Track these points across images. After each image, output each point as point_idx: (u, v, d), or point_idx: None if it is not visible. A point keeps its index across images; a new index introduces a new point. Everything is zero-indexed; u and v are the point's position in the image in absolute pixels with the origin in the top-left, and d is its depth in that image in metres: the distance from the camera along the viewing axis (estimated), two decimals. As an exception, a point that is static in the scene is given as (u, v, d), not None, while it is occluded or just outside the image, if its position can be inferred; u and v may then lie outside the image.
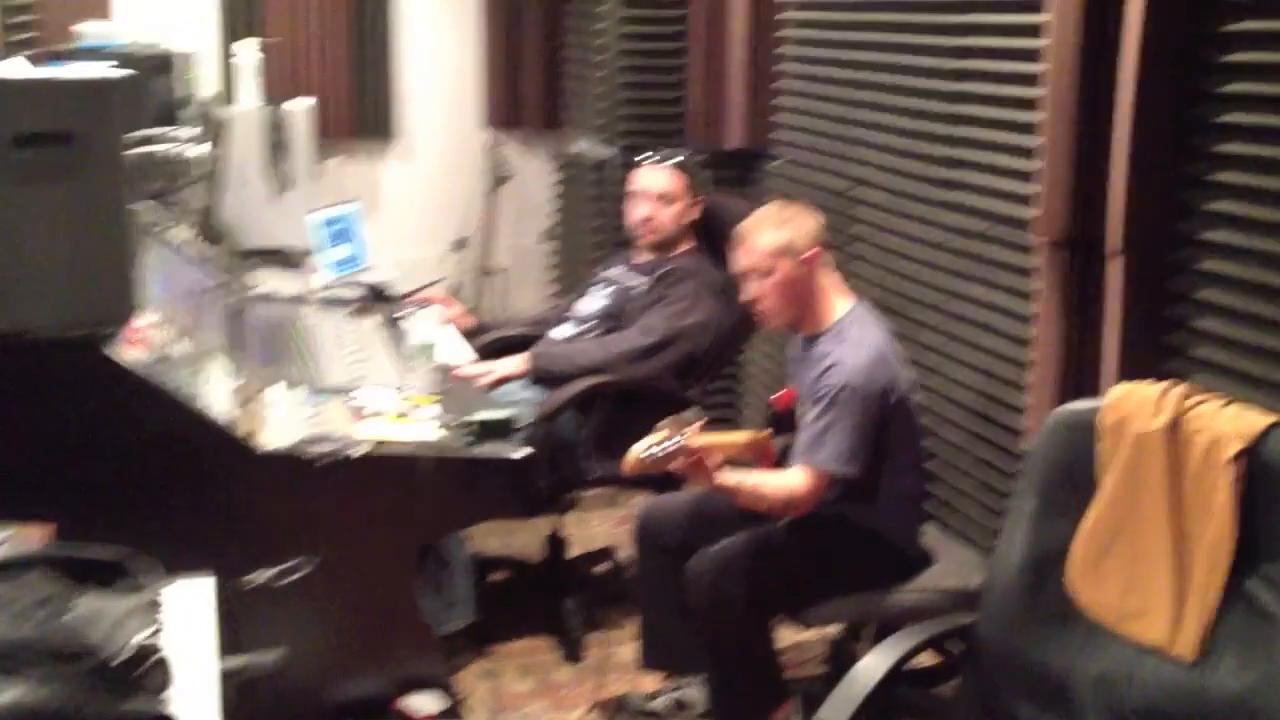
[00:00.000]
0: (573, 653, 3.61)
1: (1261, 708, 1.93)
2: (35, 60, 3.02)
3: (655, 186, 3.72)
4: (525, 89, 5.76)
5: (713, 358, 3.68)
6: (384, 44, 5.58)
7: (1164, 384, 2.16)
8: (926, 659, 2.91)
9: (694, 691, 3.20)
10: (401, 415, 2.87)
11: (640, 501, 3.38)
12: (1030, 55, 2.89)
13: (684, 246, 3.77)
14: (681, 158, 3.78)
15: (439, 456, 2.69)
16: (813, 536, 2.89)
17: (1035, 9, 2.81)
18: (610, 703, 3.34)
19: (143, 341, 2.63)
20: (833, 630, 3.22)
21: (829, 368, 2.83)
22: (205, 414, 2.59)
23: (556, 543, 3.88)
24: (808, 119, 4.15)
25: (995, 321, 3.17)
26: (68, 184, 2.37)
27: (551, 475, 3.45)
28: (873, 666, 2.27)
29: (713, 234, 3.64)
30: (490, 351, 3.80)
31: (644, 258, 3.79)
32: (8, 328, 2.38)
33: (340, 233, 4.34)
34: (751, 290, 2.96)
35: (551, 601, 3.75)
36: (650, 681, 3.33)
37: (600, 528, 4.29)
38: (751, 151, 4.59)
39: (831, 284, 2.98)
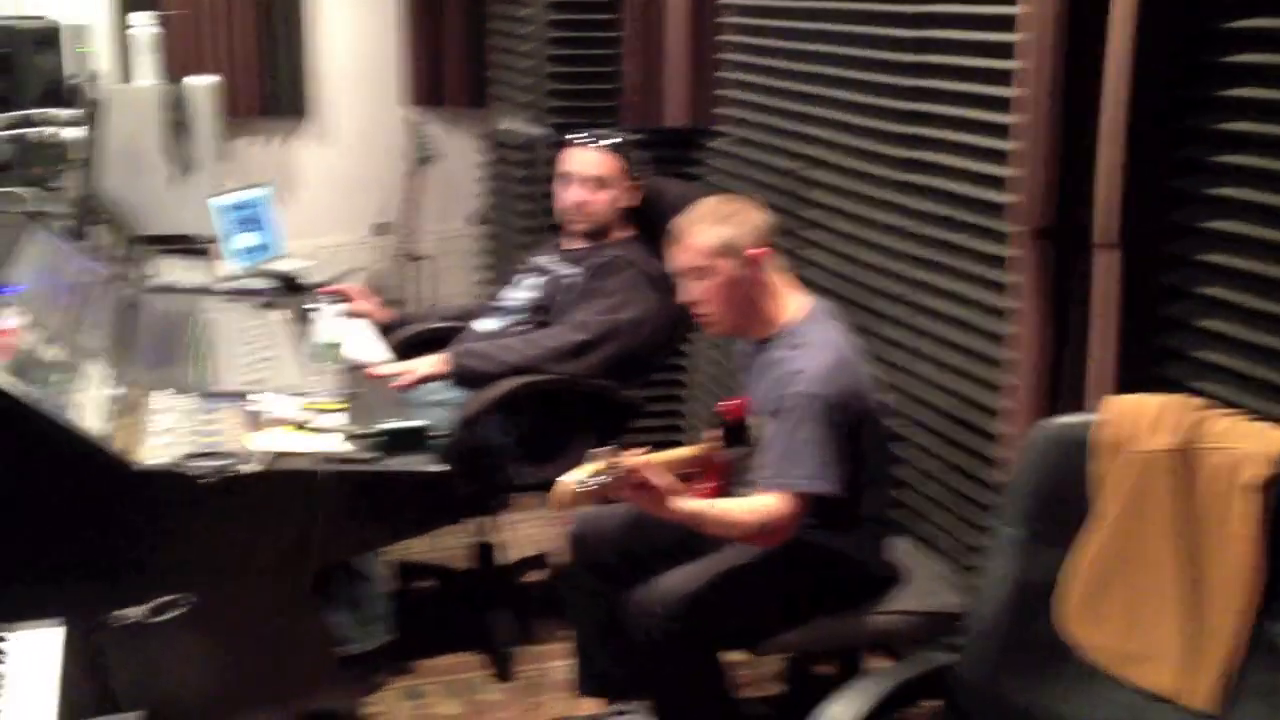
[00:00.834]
0: (503, 670, 3.36)
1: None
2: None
3: (588, 169, 3.44)
4: (448, 64, 5.46)
5: (650, 355, 3.41)
6: (295, 16, 5.25)
7: (1167, 396, 1.91)
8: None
9: (639, 717, 2.92)
10: (302, 424, 2.55)
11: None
12: (1005, 22, 2.63)
13: (620, 234, 3.49)
14: (618, 139, 3.49)
15: (340, 471, 2.38)
16: (771, 561, 2.61)
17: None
18: (545, 727, 3.09)
19: (6, 346, 2.31)
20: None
21: (787, 375, 2.55)
22: (72, 427, 2.27)
23: (485, 550, 3.62)
24: (755, 94, 3.90)
25: (968, 316, 2.91)
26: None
27: (475, 482, 3.19)
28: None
29: (652, 220, 3.35)
30: (409, 348, 3.52)
31: (576, 245, 3.50)
32: None
33: (248, 219, 4.02)
34: (690, 292, 2.68)
35: (480, 614, 3.50)
36: (589, 703, 3.05)
37: (532, 530, 4.01)
38: (693, 130, 4.31)
39: (782, 282, 2.71)
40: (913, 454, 3.11)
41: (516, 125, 4.82)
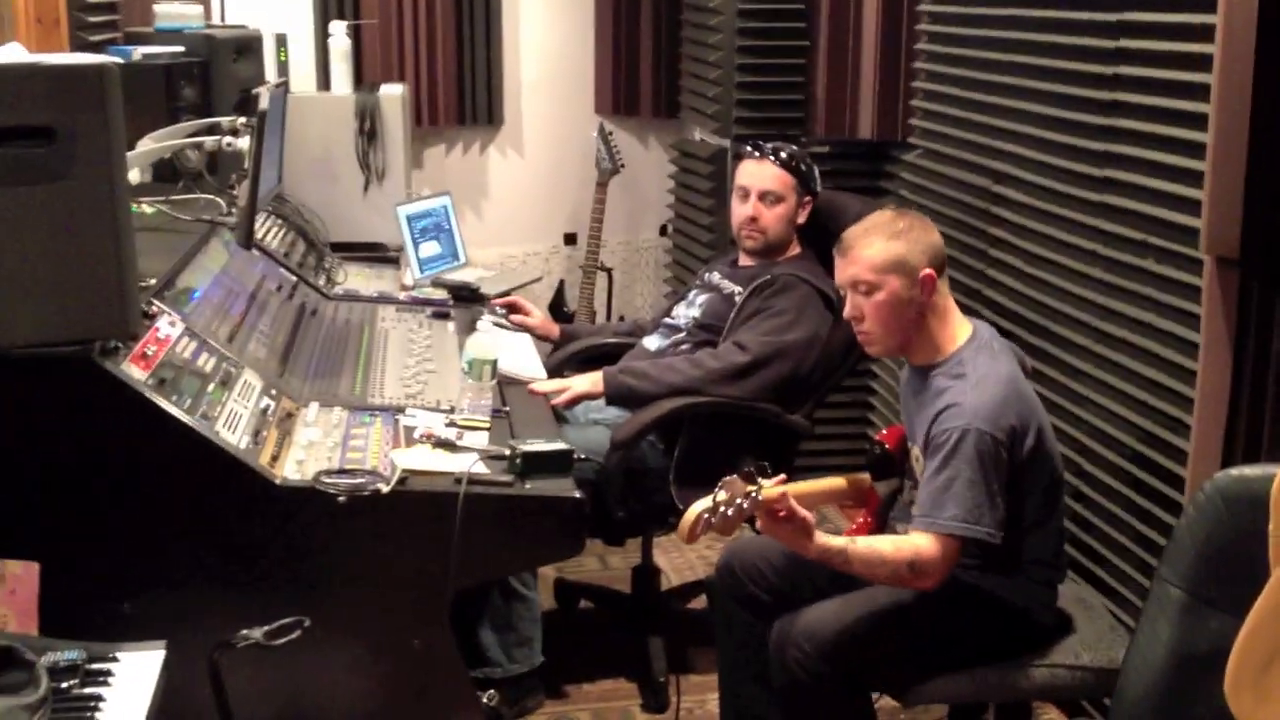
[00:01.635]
0: (656, 700, 3.28)
1: None
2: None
3: (760, 183, 3.33)
4: (640, 73, 5.42)
5: (820, 379, 3.26)
6: (491, 25, 5.27)
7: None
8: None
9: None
10: (445, 442, 2.51)
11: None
12: (1200, 33, 2.43)
13: (793, 251, 3.37)
14: (791, 150, 3.37)
15: (474, 494, 2.33)
16: (926, 601, 2.45)
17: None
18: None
19: (155, 356, 2.33)
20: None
21: (946, 409, 2.39)
22: (215, 439, 2.27)
23: (643, 574, 3.54)
24: (947, 106, 3.77)
25: (1158, 349, 2.71)
26: (52, 185, 2.07)
27: (632, 506, 3.11)
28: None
29: (823, 236, 3.22)
30: (579, 363, 3.48)
31: (747, 262, 3.40)
32: (-20, 342, 2.09)
33: (430, 227, 4.04)
34: (854, 307, 2.54)
35: (636, 640, 3.42)
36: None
37: (695, 555, 3.92)
38: (882, 142, 4.17)
39: (949, 308, 2.54)
40: (1093, 493, 2.90)
41: (704, 135, 4.74)
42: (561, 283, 5.44)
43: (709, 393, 3.13)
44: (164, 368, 2.32)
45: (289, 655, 2.03)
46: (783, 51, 4.37)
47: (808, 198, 3.36)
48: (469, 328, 3.38)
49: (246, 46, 4.05)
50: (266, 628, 1.98)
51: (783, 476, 2.28)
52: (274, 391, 2.60)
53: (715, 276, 3.45)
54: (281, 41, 4.38)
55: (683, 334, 3.37)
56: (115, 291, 2.16)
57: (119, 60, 2.25)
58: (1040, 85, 3.19)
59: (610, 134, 5.20)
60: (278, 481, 2.30)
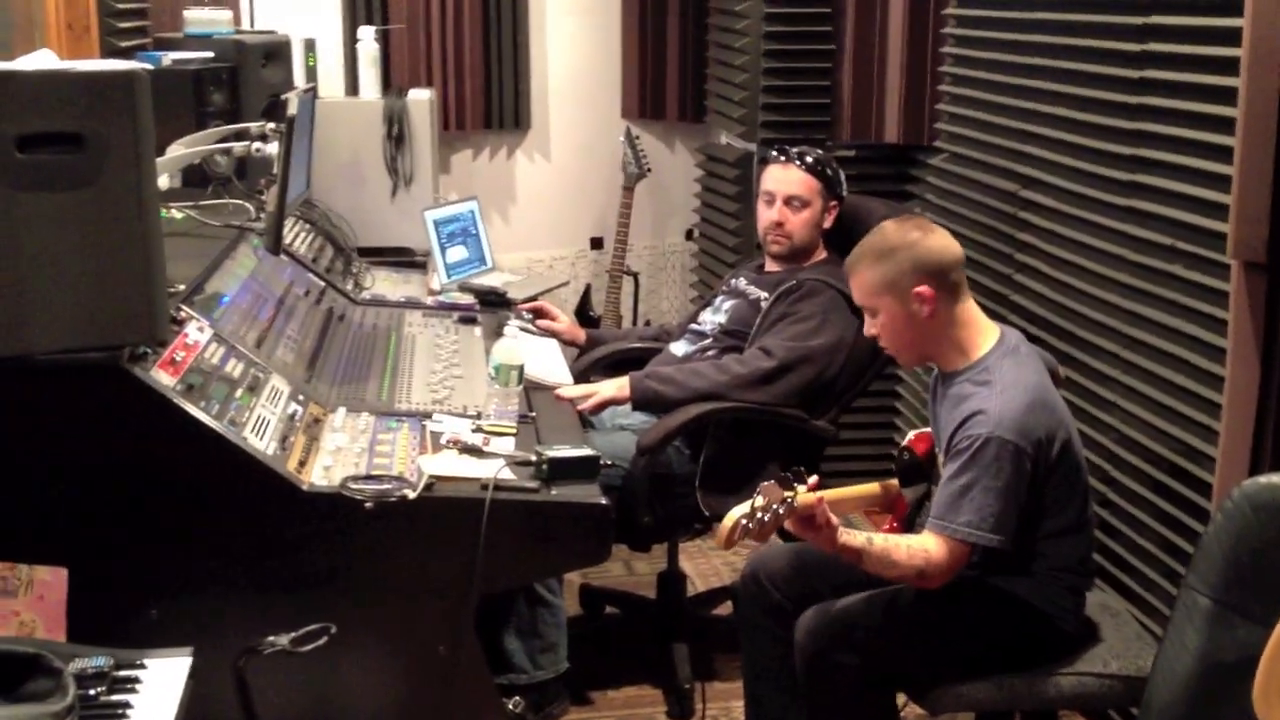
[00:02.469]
0: (681, 707, 3.28)
1: None
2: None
3: (786, 188, 3.33)
4: (667, 77, 5.42)
5: (846, 384, 3.25)
6: (518, 30, 5.28)
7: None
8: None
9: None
10: (471, 448, 2.51)
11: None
12: (1227, 36, 2.42)
13: (818, 256, 3.36)
14: (817, 155, 3.36)
15: (500, 499, 2.33)
16: (949, 603, 2.46)
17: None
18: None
19: (184, 361, 2.34)
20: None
21: (971, 416, 2.38)
22: (242, 444, 2.28)
23: (669, 580, 3.53)
24: (974, 109, 3.76)
25: (1186, 354, 2.69)
26: (81, 191, 2.08)
27: (658, 511, 3.12)
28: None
29: (849, 240, 3.20)
30: (604, 368, 3.48)
31: (772, 267, 3.39)
32: (12, 349, 2.10)
33: (457, 232, 4.05)
34: (869, 325, 2.56)
35: (661, 646, 3.42)
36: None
37: (720, 561, 3.91)
38: (909, 146, 4.15)
39: (971, 313, 2.52)
40: (1120, 500, 2.88)
41: (730, 139, 4.73)
42: (588, 287, 5.45)
43: (735, 398, 3.13)
44: (192, 373, 2.33)
45: (315, 661, 2.04)
46: (809, 55, 4.37)
47: (833, 202, 3.35)
48: (495, 333, 3.38)
49: (275, 52, 4.06)
50: (293, 634, 1.98)
51: (815, 479, 2.28)
52: (301, 397, 2.61)
53: (741, 282, 3.45)
54: (310, 47, 4.40)
55: (709, 340, 3.37)
56: (144, 297, 2.16)
57: (148, 66, 2.26)
58: (1066, 89, 3.17)
59: (637, 138, 5.20)
60: (304, 487, 2.30)
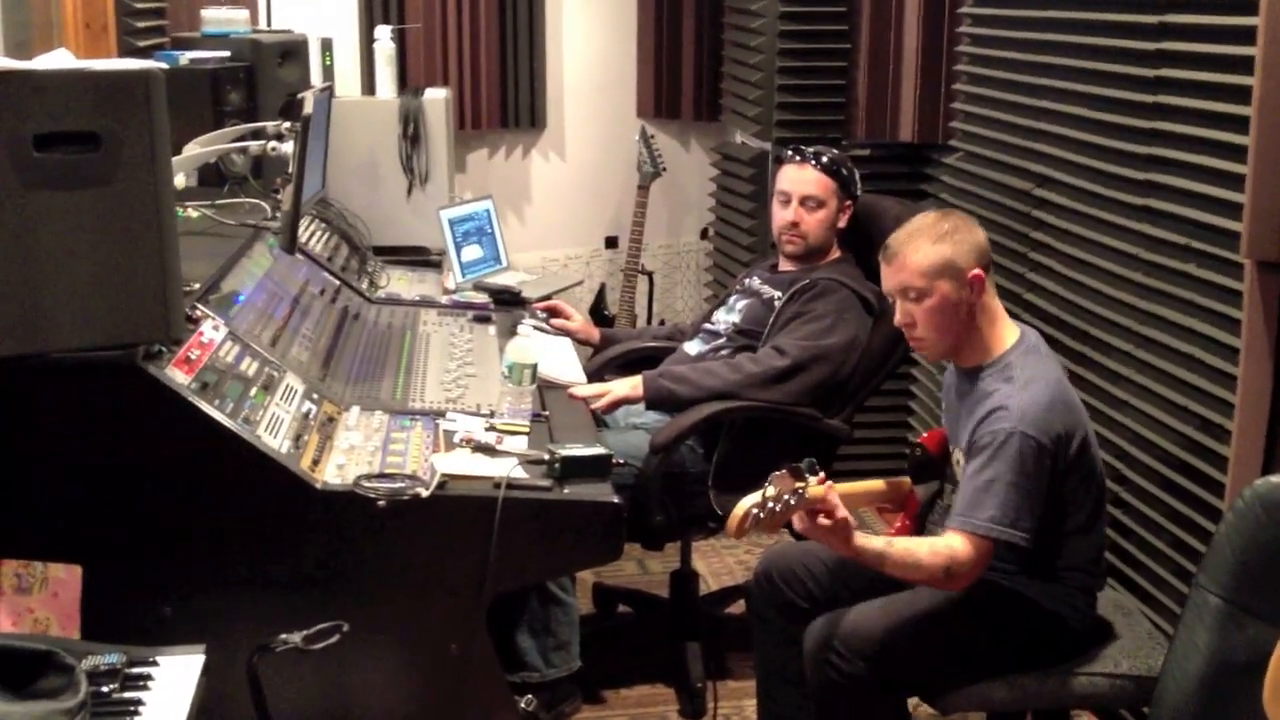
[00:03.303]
0: (693, 707, 3.28)
1: None
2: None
3: (802, 188, 3.32)
4: (681, 76, 5.43)
5: (860, 383, 3.25)
6: (534, 29, 5.28)
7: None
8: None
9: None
10: (484, 447, 2.52)
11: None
12: (1242, 35, 2.41)
13: (833, 256, 3.36)
14: (832, 155, 3.36)
15: (513, 498, 2.34)
16: (961, 604, 2.45)
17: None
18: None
19: (199, 360, 2.36)
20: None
21: (994, 411, 2.38)
22: (257, 443, 2.29)
23: (682, 579, 3.54)
24: (989, 108, 3.74)
25: (1200, 354, 2.68)
26: (96, 190, 2.09)
27: (671, 510, 3.12)
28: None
29: (868, 241, 3.21)
30: (618, 367, 3.48)
31: (787, 266, 3.39)
32: (28, 348, 2.11)
33: (472, 231, 4.06)
34: (904, 314, 2.52)
35: (674, 645, 3.42)
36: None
37: (734, 560, 3.91)
38: (924, 145, 4.15)
39: (997, 309, 2.53)
40: (1132, 499, 2.88)
41: (745, 138, 4.74)
42: (602, 286, 5.45)
43: (748, 397, 3.13)
44: (207, 372, 2.34)
45: (328, 659, 2.05)
46: (824, 54, 4.37)
47: (848, 202, 3.35)
48: (510, 331, 3.39)
49: (292, 51, 4.08)
50: (305, 632, 1.99)
51: (821, 475, 2.28)
52: (316, 395, 2.62)
53: (755, 281, 3.45)
54: (326, 46, 4.42)
55: (722, 339, 3.37)
56: (159, 296, 2.17)
57: (164, 66, 2.27)
58: (1081, 88, 3.16)
59: (652, 137, 5.20)
60: (318, 485, 2.32)
